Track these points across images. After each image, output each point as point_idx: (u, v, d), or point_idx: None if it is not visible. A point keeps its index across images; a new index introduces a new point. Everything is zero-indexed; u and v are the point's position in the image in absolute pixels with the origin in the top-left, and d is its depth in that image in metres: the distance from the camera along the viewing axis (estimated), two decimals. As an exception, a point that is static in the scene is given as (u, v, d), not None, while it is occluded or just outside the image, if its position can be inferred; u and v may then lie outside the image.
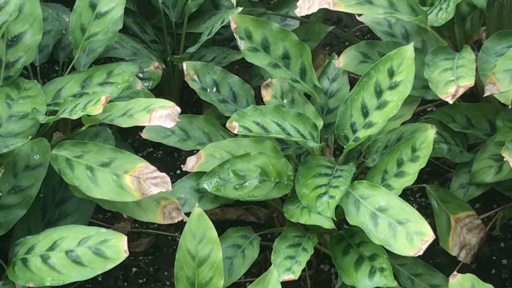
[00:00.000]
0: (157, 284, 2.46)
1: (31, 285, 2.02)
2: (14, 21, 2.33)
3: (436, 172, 2.63)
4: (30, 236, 2.13)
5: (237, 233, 2.28)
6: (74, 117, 2.10)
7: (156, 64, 2.52)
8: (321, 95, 2.40)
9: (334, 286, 2.41)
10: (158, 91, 2.60)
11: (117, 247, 2.01)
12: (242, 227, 2.31)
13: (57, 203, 2.28)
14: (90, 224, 2.25)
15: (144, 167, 2.10)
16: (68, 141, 2.19)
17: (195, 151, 2.41)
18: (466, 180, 2.43)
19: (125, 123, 2.11)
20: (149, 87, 2.47)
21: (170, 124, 2.07)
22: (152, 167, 2.10)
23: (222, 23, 2.47)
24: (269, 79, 2.38)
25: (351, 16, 2.99)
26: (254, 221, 2.52)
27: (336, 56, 2.44)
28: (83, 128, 2.25)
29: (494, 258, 2.49)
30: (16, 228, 2.19)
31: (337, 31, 2.73)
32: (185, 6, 2.63)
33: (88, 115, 2.12)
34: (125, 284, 2.46)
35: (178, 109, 2.09)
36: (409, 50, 2.23)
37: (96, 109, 2.07)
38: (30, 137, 2.19)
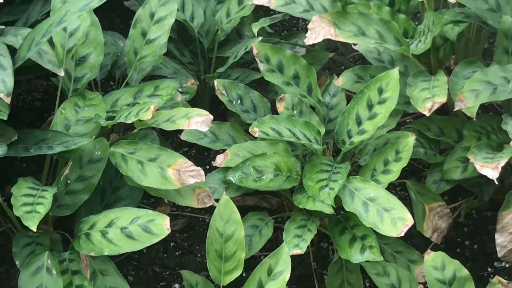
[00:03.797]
0: (190, 256, 2.48)
1: (92, 254, 2.07)
2: (81, 45, 2.36)
3: (414, 170, 2.63)
4: (92, 215, 2.16)
5: (255, 216, 2.29)
6: (129, 121, 2.15)
7: (192, 81, 2.54)
8: (324, 107, 2.42)
9: (331, 260, 2.43)
10: (193, 103, 2.58)
11: (161, 225, 2.04)
12: (259, 211, 2.31)
13: (113, 190, 2.30)
14: (139, 207, 2.25)
15: (184, 162, 2.13)
16: (123, 140, 2.21)
17: (221, 151, 2.40)
18: (438, 177, 2.43)
19: (169, 127, 2.15)
20: (187, 99, 2.48)
21: (204, 129, 2.10)
22: (190, 162, 2.12)
23: (245, 49, 2.51)
24: (282, 94, 2.39)
25: (345, 46, 2.96)
26: (268, 207, 2.52)
27: (336, 77, 2.44)
28: (135, 130, 2.27)
29: (459, 240, 2.51)
30: (80, 209, 2.23)
31: (335, 57, 2.73)
32: (216, 36, 2.66)
33: (140, 120, 2.16)
34: (165, 255, 2.48)
35: (211, 117, 2.12)
36: (394, 73, 2.25)
37: (146, 116, 2.12)
38: (93, 137, 2.22)
